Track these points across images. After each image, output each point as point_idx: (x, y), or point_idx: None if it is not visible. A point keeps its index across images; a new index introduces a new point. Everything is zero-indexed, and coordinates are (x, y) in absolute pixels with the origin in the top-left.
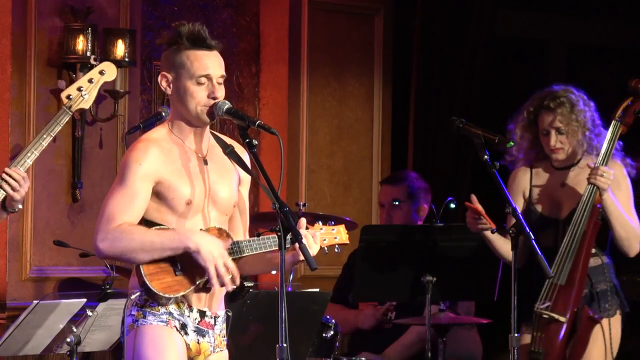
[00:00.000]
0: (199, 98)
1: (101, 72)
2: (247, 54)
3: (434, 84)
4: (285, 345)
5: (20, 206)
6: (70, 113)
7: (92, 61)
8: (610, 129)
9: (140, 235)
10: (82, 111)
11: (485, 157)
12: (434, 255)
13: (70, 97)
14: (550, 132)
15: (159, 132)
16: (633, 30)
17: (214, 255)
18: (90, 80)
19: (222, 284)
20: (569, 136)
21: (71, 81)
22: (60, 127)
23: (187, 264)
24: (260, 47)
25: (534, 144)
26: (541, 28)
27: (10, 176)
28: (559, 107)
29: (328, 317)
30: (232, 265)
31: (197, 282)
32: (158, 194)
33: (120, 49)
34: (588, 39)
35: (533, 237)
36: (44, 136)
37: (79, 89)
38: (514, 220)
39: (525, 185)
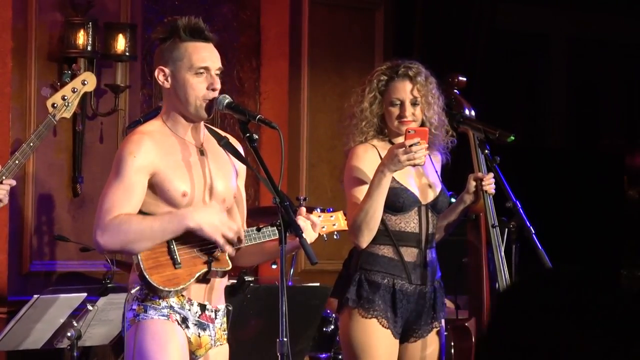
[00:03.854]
0: (198, 90)
1: (83, 82)
2: (248, 48)
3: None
4: (285, 339)
5: None
6: (54, 122)
7: (73, 68)
8: (472, 136)
9: (138, 223)
10: (63, 120)
11: (486, 151)
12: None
13: (55, 105)
14: (405, 101)
15: (153, 125)
16: (634, 24)
17: (217, 224)
18: (73, 90)
19: (234, 245)
20: (423, 109)
21: (60, 85)
22: (45, 134)
23: (186, 257)
24: (261, 41)
25: (380, 119)
26: (542, 22)
27: None
28: (417, 75)
29: (328, 311)
30: (234, 226)
31: (197, 275)
32: (154, 187)
33: (121, 43)
34: (589, 33)
35: (534, 232)
36: (31, 144)
37: (63, 98)
38: None
39: (377, 165)
